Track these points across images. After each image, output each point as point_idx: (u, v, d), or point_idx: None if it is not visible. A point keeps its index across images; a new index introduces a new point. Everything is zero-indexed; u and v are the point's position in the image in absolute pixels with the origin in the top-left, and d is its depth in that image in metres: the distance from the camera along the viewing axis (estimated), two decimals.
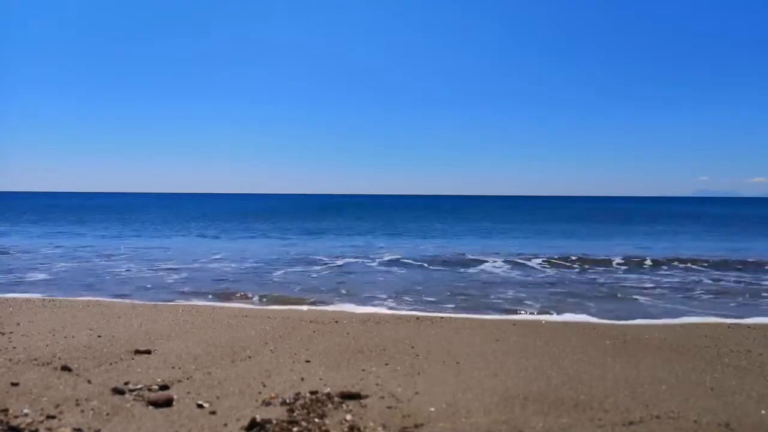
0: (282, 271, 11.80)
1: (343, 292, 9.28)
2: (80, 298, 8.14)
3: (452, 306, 8.02)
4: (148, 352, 4.62)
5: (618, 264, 13.41)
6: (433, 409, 3.34)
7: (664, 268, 12.88)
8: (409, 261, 13.84)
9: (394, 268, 12.52)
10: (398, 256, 14.71)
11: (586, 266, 13.00)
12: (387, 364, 4.40)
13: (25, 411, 3.14)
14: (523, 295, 9.08)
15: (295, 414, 3.18)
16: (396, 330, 5.83)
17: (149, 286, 9.72)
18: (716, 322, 6.69)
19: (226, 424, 3.04)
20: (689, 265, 13.25)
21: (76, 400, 3.36)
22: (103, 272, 11.38)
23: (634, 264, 13.41)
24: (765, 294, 9.34)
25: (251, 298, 8.64)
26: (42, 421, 3.01)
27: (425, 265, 13.18)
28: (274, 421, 3.03)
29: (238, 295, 8.87)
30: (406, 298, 8.69)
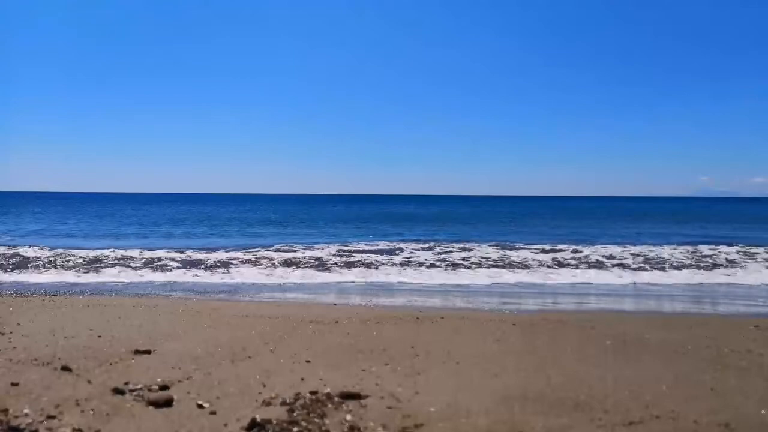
0: None
1: None
2: (80, 298, 8.14)
3: None
4: (148, 352, 4.62)
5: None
6: (433, 409, 3.34)
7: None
8: None
9: None
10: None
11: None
12: (387, 364, 4.40)
13: (25, 411, 3.14)
14: None
15: (295, 414, 3.18)
16: (396, 330, 5.83)
17: None
18: (716, 322, 6.69)
19: (226, 424, 3.04)
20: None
21: (76, 400, 3.36)
22: None
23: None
24: None
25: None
26: (42, 421, 3.01)
27: None
28: (274, 421, 3.03)
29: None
30: None
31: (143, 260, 13.55)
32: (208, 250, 15.78)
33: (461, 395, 3.62)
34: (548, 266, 13.23)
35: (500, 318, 6.77)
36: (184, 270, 12.19)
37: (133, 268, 12.33)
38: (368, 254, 15.28)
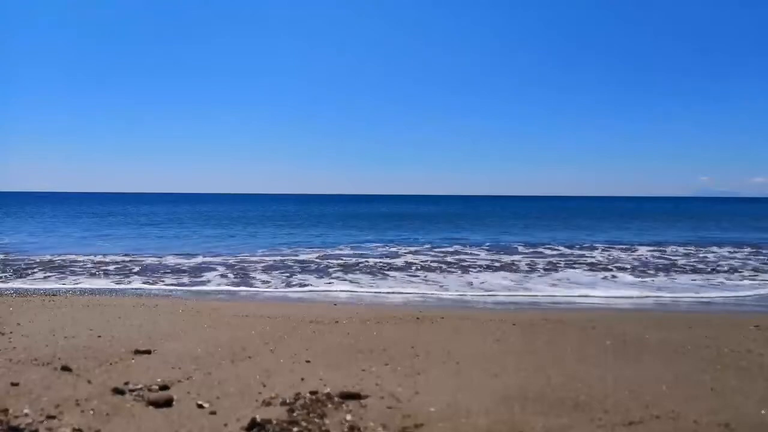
0: None
1: None
2: (80, 298, 8.14)
3: None
4: (148, 352, 4.62)
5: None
6: (433, 409, 3.34)
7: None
8: None
9: None
10: None
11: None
12: (387, 364, 4.40)
13: (25, 411, 3.14)
14: None
15: (295, 414, 3.18)
16: (396, 330, 5.83)
17: None
18: (716, 322, 6.69)
19: (226, 424, 3.04)
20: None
21: (76, 400, 3.36)
22: None
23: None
24: None
25: None
26: (42, 421, 3.01)
27: None
28: (274, 421, 3.03)
29: None
30: None
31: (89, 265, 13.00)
32: (189, 255, 15.33)
33: (461, 395, 3.62)
34: (546, 269, 13.20)
35: (500, 318, 6.76)
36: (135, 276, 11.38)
37: (74, 274, 11.73)
38: (366, 258, 15.26)
